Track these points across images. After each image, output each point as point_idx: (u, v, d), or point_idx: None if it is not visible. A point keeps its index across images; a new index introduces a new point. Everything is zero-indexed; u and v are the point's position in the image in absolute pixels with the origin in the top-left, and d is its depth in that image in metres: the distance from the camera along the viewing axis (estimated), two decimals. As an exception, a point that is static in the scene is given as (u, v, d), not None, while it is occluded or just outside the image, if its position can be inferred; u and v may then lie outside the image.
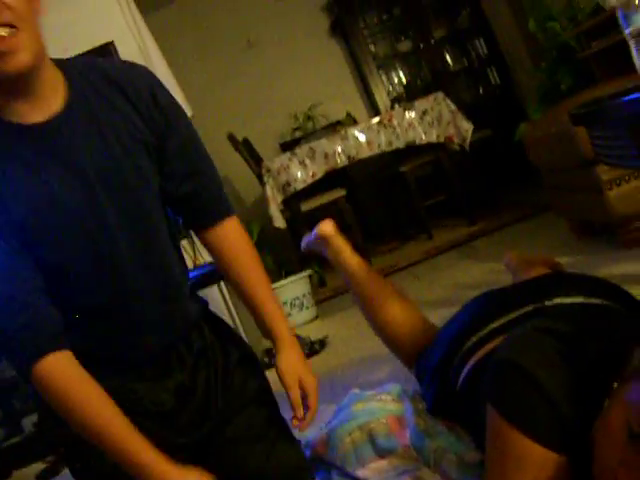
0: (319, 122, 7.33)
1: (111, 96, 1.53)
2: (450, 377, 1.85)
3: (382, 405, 2.19)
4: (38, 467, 3.48)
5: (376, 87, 7.42)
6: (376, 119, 5.71)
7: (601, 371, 1.34)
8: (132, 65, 1.65)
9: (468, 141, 5.73)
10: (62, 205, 1.43)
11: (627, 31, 2.06)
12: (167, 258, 1.66)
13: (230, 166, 6.33)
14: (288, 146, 6.73)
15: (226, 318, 3.50)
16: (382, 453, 2.02)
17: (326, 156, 5.51)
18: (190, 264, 3.76)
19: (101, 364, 1.50)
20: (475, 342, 1.78)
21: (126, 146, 1.51)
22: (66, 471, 1.86)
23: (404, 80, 7.57)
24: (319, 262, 5.54)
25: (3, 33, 1.30)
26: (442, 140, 5.74)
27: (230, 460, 1.70)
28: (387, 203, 7.31)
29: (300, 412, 1.64)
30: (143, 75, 1.61)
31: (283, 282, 4.83)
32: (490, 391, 1.43)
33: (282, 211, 5.54)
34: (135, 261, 1.54)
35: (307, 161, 5.49)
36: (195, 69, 7.24)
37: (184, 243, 3.97)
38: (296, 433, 1.80)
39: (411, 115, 5.67)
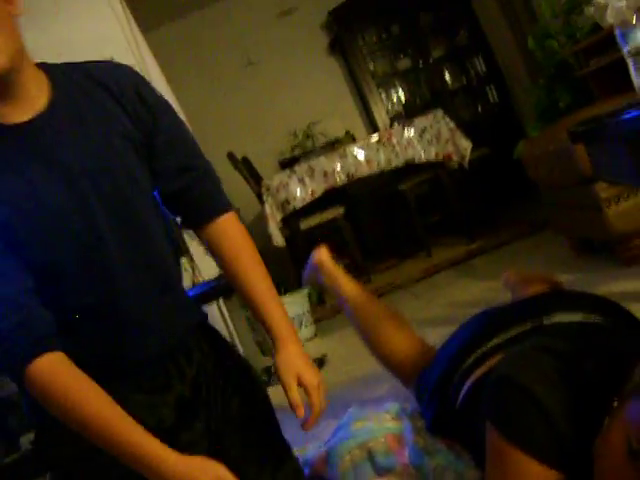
0: (318, 140, 7.35)
1: (96, 95, 1.52)
2: (449, 395, 1.85)
3: (381, 423, 2.18)
4: (35, 486, 3.47)
5: (375, 105, 7.44)
6: (375, 137, 5.71)
7: (600, 389, 1.33)
8: (116, 65, 1.63)
9: (467, 159, 5.74)
10: (46, 204, 1.42)
11: (625, 49, 2.07)
12: (161, 259, 1.64)
13: (229, 184, 6.26)
14: (287, 164, 6.73)
15: (224, 336, 3.49)
16: (381, 472, 2.01)
17: (325, 174, 5.51)
18: (189, 282, 3.75)
19: (95, 370, 1.45)
20: (474, 360, 1.77)
21: (114, 145, 1.50)
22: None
23: (403, 98, 7.59)
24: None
25: None
26: (441, 158, 5.74)
27: None
28: (386, 221, 7.30)
29: (300, 412, 1.53)
30: (127, 74, 1.60)
31: (282, 300, 4.81)
32: (489, 409, 1.43)
33: (281, 229, 5.53)
34: (126, 262, 1.52)
35: (306, 179, 5.49)
36: (194, 87, 7.26)
37: (184, 261, 3.97)
38: (296, 452, 1.78)
39: (410, 133, 5.68)
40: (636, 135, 1.71)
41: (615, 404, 1.28)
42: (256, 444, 1.72)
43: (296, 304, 4.89)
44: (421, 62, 7.43)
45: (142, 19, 4.67)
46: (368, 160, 5.57)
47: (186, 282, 3.64)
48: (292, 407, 1.54)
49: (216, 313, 3.80)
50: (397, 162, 5.62)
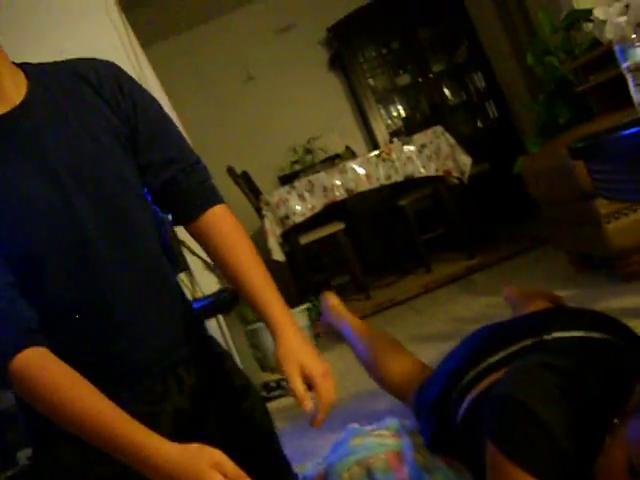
0: (318, 155, 7.37)
1: (78, 91, 1.50)
2: (448, 411, 1.84)
3: (380, 440, 2.17)
4: (32, 502, 3.45)
5: (375, 121, 7.47)
6: (375, 152, 5.72)
7: (601, 406, 1.33)
8: (99, 59, 1.60)
9: (467, 175, 5.74)
10: (27, 197, 1.39)
11: (624, 65, 2.07)
12: (152, 258, 1.60)
13: (229, 199, 6.19)
14: (287, 179, 6.74)
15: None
16: (380, 489, 2.00)
17: (325, 189, 5.51)
18: (189, 297, 3.75)
19: (86, 375, 1.39)
20: (474, 376, 1.76)
21: (97, 139, 1.48)
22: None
23: (403, 114, 7.62)
24: (318, 296, 5.53)
25: None
26: (441, 174, 5.75)
27: None
28: (386, 236, 7.31)
29: (306, 405, 1.40)
30: (108, 66, 1.58)
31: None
32: (489, 426, 1.42)
33: (281, 244, 5.53)
34: (114, 259, 1.48)
35: (306, 194, 5.50)
36: (194, 101, 7.28)
37: (182, 276, 3.97)
38: (295, 468, 1.77)
39: (410, 149, 5.69)
40: (635, 152, 1.71)
41: (616, 421, 1.28)
42: (255, 460, 1.68)
43: (296, 319, 4.87)
44: (421, 78, 7.46)
45: (142, 34, 4.69)
46: (368, 175, 5.58)
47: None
48: (297, 400, 1.42)
49: (215, 328, 3.79)
50: (397, 177, 5.63)
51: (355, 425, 2.38)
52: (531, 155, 4.46)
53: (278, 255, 5.43)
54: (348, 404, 3.33)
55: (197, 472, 1.31)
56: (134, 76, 1.64)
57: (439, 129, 5.84)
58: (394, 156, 5.63)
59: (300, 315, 4.93)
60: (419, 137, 5.77)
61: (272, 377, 4.38)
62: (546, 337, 1.70)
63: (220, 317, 3.83)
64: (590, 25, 4.01)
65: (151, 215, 1.61)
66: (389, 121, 7.57)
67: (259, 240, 5.85)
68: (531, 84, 5.97)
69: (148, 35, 5.62)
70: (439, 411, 1.92)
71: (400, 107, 7.63)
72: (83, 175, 1.45)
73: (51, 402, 1.35)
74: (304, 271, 5.99)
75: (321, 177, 5.54)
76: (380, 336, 2.67)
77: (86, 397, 1.36)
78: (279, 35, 7.63)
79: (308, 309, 5.06)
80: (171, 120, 1.66)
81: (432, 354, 2.41)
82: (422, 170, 5.65)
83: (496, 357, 1.74)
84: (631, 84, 2.06)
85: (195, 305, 3.43)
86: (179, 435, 1.49)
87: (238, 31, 7.60)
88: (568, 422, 1.30)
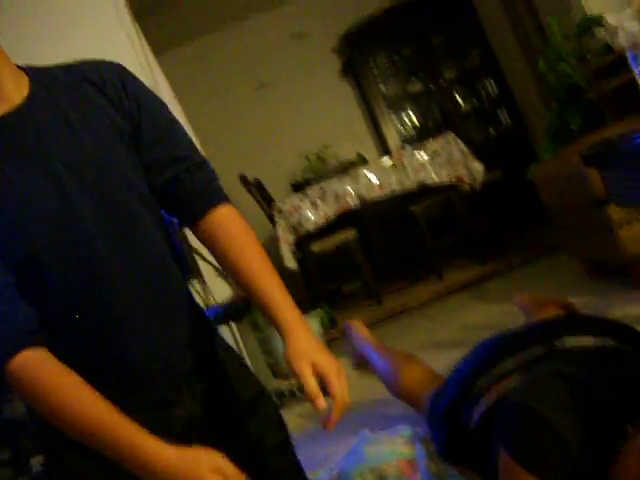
0: (330, 163, 7.36)
1: (79, 88, 1.49)
2: (461, 418, 1.83)
3: (393, 448, 2.17)
4: (46, 508, 3.45)
5: (387, 128, 7.46)
6: (387, 159, 5.72)
7: (614, 413, 1.32)
8: (99, 60, 1.59)
9: (479, 182, 5.73)
10: (26, 197, 1.38)
11: (637, 71, 2.07)
12: (157, 258, 1.57)
13: (241, 207, 6.27)
14: (299, 187, 6.74)
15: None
16: (393, 496, 2.00)
17: (337, 196, 5.52)
18: (201, 305, 3.75)
19: (91, 380, 1.37)
20: (485, 383, 1.76)
21: (100, 139, 1.47)
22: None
23: (415, 121, 7.60)
24: (329, 302, 5.53)
25: None
26: (453, 180, 5.74)
27: None
28: (397, 243, 7.29)
29: (319, 403, 1.33)
30: (113, 65, 1.58)
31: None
32: (502, 433, 1.42)
33: (293, 252, 5.53)
34: (117, 260, 1.46)
35: (318, 202, 5.50)
36: (207, 109, 7.30)
37: (195, 283, 3.98)
38: (308, 475, 1.76)
39: (422, 156, 5.68)
40: (648, 158, 1.71)
41: (630, 430, 1.27)
42: (269, 467, 1.68)
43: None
44: (432, 85, 7.46)
45: (155, 42, 4.71)
46: (380, 182, 5.58)
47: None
48: (309, 398, 1.35)
49: (228, 335, 3.79)
50: (409, 184, 5.63)
51: (368, 432, 2.38)
52: (543, 162, 4.45)
53: (290, 262, 5.44)
54: (361, 411, 3.33)
55: (197, 477, 1.31)
56: (147, 84, 1.64)
57: (451, 136, 5.83)
58: (406, 163, 5.63)
59: (312, 322, 4.92)
60: (431, 144, 5.77)
61: (284, 383, 4.38)
62: (557, 344, 1.69)
63: (232, 324, 3.83)
64: (602, 31, 4.00)
65: (156, 216, 1.59)
66: (401, 128, 7.56)
67: (271, 247, 5.86)
68: (543, 91, 5.96)
69: (161, 43, 5.64)
70: (451, 418, 1.92)
71: (412, 114, 7.62)
72: (84, 175, 1.44)
73: (49, 403, 1.35)
74: (316, 279, 5.99)
75: (333, 184, 5.55)
76: (396, 351, 2.70)
77: (85, 399, 1.35)
78: (292, 42, 7.65)
79: (320, 317, 5.05)
80: (178, 123, 1.64)
81: (443, 361, 2.40)
82: (434, 177, 5.65)
83: (508, 364, 1.74)
84: (643, 90, 2.06)
85: (208, 312, 3.43)
86: (191, 442, 1.47)
87: (251, 38, 7.62)
88: (580, 429, 1.30)
